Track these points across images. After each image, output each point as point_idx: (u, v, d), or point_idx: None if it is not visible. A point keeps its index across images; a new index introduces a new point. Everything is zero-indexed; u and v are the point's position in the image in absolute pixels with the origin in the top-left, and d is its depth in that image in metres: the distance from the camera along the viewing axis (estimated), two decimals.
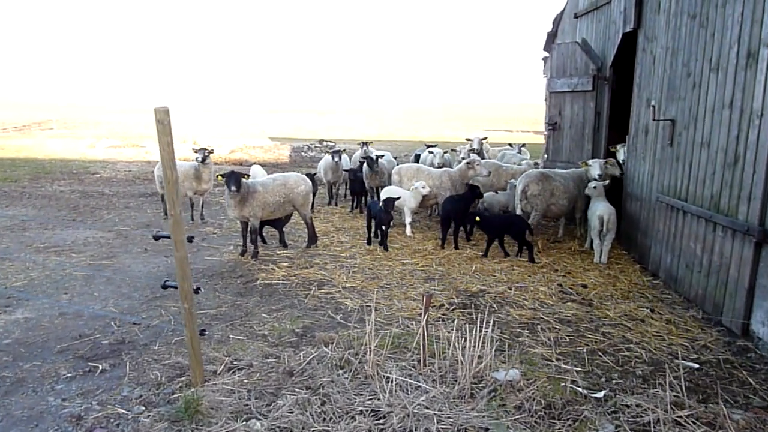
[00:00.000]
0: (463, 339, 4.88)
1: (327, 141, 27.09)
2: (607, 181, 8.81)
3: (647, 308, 6.44)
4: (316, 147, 25.44)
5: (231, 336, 5.61)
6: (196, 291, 4.53)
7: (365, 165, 11.16)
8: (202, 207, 10.90)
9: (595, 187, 8.43)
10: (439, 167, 12.53)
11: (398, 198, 8.98)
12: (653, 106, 7.28)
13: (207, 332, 5.56)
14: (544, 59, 15.24)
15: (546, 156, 11.17)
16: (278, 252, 8.66)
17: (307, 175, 11.03)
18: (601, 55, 9.85)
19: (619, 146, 9.51)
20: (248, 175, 7.91)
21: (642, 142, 8.12)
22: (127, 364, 5.00)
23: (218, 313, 6.23)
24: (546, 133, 15.04)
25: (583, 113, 10.09)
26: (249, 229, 8.20)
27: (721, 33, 5.99)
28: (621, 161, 9.45)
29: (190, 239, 4.46)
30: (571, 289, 7.13)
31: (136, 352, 5.27)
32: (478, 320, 5.95)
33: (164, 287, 4.59)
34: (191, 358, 4.57)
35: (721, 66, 5.95)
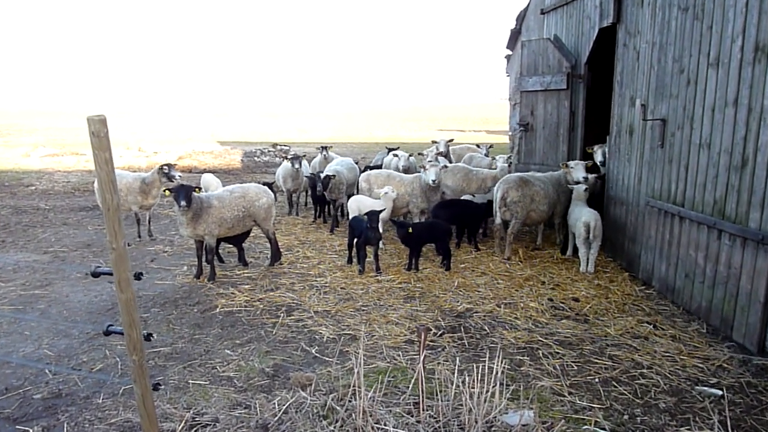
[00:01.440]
0: (462, 375, 4.24)
1: (281, 145, 26.06)
2: (592, 176, 8.41)
3: (648, 323, 5.96)
4: (269, 151, 24.39)
5: (190, 381, 4.78)
6: (147, 338, 3.70)
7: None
8: (150, 222, 9.89)
9: (585, 190, 7.97)
10: (404, 171, 11.93)
11: (382, 210, 8.20)
12: (642, 105, 6.84)
13: (162, 382, 4.72)
14: (507, 57, 14.86)
15: (517, 158, 10.69)
16: (238, 272, 7.80)
17: (264, 184, 10.21)
18: (575, 51, 9.42)
19: (596, 147, 9.10)
20: (199, 188, 7.02)
21: (626, 143, 7.70)
22: (65, 425, 4.14)
23: (174, 351, 5.38)
24: (511, 134, 14.68)
25: (558, 113, 9.64)
26: (204, 248, 7.33)
27: (720, 25, 5.55)
28: (599, 162, 9.05)
29: (138, 276, 3.64)
30: (563, 303, 6.60)
31: (75, 408, 4.39)
32: (472, 347, 5.37)
33: (107, 333, 3.74)
34: (143, 419, 3.75)
35: (722, 61, 5.52)
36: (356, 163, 13.72)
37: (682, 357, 5.16)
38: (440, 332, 5.76)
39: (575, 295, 6.86)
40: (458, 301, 6.63)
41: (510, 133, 14.79)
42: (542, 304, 6.53)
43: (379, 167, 13.45)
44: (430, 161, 11.86)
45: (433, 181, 8.66)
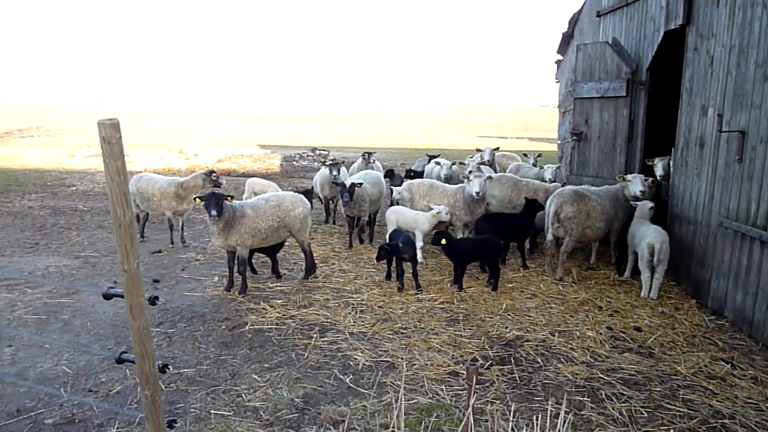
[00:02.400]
0: (515, 417, 3.70)
1: (320, 149, 25.82)
2: (649, 179, 7.74)
3: (724, 361, 5.28)
4: (308, 156, 24.16)
5: (212, 411, 4.37)
6: (162, 370, 3.29)
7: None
8: (183, 227, 9.62)
9: (651, 208, 7.29)
10: (446, 180, 11.41)
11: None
12: (719, 116, 6.14)
13: (183, 410, 4.32)
14: (557, 62, 14.15)
15: (570, 169, 10.02)
16: (271, 285, 7.41)
17: (303, 192, 9.81)
18: (635, 56, 8.73)
19: (656, 160, 8.37)
20: (232, 197, 6.64)
21: (695, 157, 6.99)
22: None
23: (197, 374, 4.98)
24: (560, 143, 13.97)
25: (615, 122, 8.95)
26: (237, 259, 6.96)
27: None
28: (659, 177, 8.30)
29: (153, 301, 3.22)
30: (624, 333, 5.95)
31: None
32: (524, 382, 4.79)
33: (119, 362, 3.35)
34: None
35: None
36: (391, 174, 13.22)
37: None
38: (488, 363, 5.21)
39: (637, 323, 6.20)
40: (507, 327, 6.06)
41: (559, 142, 14.07)
42: (601, 334, 5.89)
43: (420, 174, 12.97)
44: (473, 171, 11.33)
45: (477, 192, 8.09)
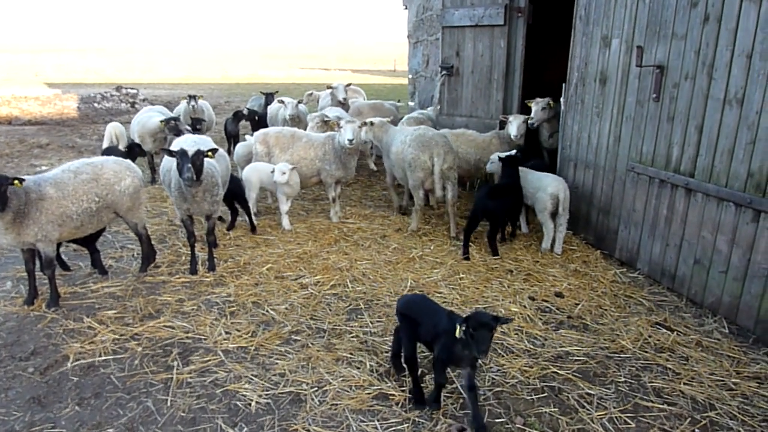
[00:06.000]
0: None
1: (127, 87, 21.95)
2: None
3: (661, 326, 4.77)
4: (113, 96, 20.37)
5: None
6: None
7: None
8: None
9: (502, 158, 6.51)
10: (292, 123, 9.87)
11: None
12: (639, 48, 5.41)
13: None
14: None
15: (440, 108, 9.03)
16: (94, 286, 5.40)
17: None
18: None
19: (538, 101, 7.71)
20: (20, 180, 4.43)
21: (594, 94, 6.33)
22: None
23: None
24: (411, 77, 12.95)
25: (491, 54, 8.04)
26: (39, 259, 4.86)
27: None
28: (530, 123, 7.64)
29: None
30: (546, 302, 5.21)
31: None
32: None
33: None
34: None
35: None
36: (236, 119, 11.30)
37: (735, 381, 3.98)
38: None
39: (555, 286, 5.51)
40: None
41: (410, 76, 13.06)
42: (525, 307, 5.07)
43: (264, 117, 11.18)
44: (324, 110, 9.85)
45: (350, 141, 6.74)
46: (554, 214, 6.19)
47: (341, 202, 7.82)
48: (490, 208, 6.04)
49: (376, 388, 3.87)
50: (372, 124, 7.20)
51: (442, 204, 7.52)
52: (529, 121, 7.55)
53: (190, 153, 5.00)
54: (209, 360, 4.20)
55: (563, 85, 6.88)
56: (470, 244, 6.29)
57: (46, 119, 16.25)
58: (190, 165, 4.97)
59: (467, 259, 6.07)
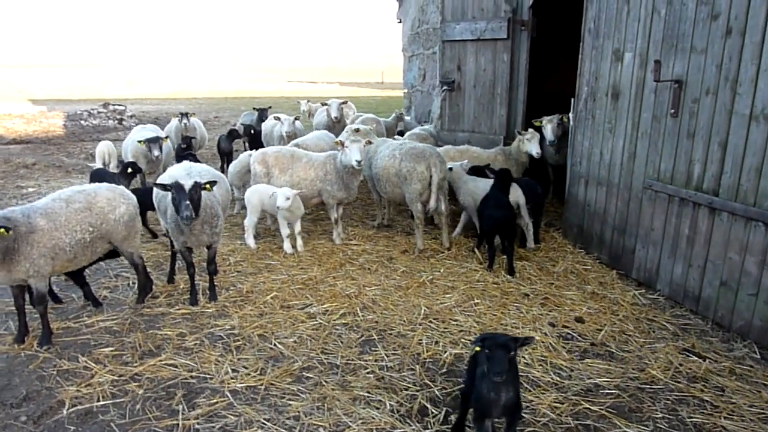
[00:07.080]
0: None
1: (114, 103, 21.60)
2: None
3: (691, 353, 4.55)
4: (100, 113, 20.01)
5: None
6: None
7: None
8: None
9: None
10: (288, 139, 9.63)
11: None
12: (656, 62, 5.24)
13: None
14: (399, 0, 12.75)
15: (441, 123, 8.82)
16: (88, 320, 5.08)
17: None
18: None
19: (544, 120, 7.55)
20: (6, 229, 4.06)
21: (606, 109, 6.15)
22: None
23: None
24: (407, 91, 12.77)
25: (494, 68, 7.87)
26: (30, 295, 4.54)
27: None
28: (548, 141, 7.52)
29: None
30: (567, 328, 4.98)
31: None
32: None
33: None
34: None
35: None
36: (234, 135, 11.04)
37: None
38: (440, 411, 3.80)
39: (574, 310, 5.28)
40: (437, 342, 4.70)
41: (405, 90, 12.87)
42: (547, 335, 4.83)
43: (253, 133, 10.92)
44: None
45: (358, 162, 6.49)
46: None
47: (343, 223, 7.56)
48: (507, 218, 5.99)
49: (399, 431, 3.60)
50: (370, 143, 7.00)
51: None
52: (547, 141, 7.45)
53: (187, 187, 4.67)
54: (217, 402, 3.90)
55: (572, 99, 6.71)
56: (477, 266, 6.12)
57: (32, 138, 15.85)
58: (188, 202, 4.63)
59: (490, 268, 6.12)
